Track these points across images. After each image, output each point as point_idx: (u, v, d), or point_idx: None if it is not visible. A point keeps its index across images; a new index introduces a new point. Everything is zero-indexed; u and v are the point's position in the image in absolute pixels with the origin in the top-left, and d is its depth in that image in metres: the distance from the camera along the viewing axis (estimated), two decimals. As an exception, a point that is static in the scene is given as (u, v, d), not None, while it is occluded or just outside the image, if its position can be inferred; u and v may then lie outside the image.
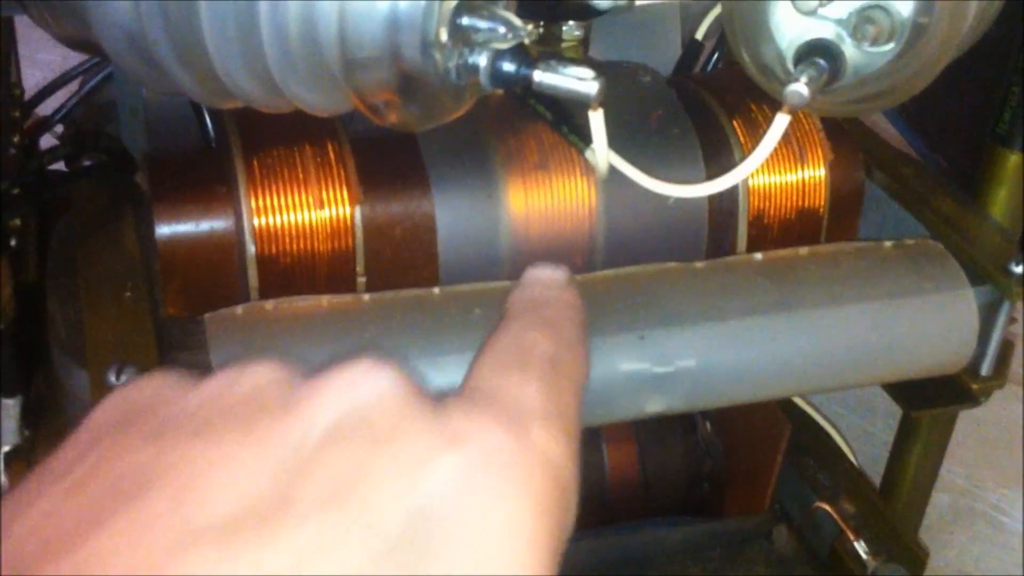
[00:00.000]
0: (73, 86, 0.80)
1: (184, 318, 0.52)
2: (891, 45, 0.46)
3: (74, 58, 0.78)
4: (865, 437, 1.21)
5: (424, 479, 0.28)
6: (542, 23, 0.58)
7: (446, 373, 0.47)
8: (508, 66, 0.42)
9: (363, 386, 0.30)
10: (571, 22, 0.58)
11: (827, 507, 0.74)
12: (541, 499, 0.29)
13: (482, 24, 0.41)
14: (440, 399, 0.31)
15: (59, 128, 0.79)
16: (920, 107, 1.34)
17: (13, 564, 0.26)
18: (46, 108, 0.79)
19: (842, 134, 0.63)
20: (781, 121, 0.49)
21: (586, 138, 0.55)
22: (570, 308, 0.40)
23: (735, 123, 0.61)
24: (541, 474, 0.30)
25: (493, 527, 0.28)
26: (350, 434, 0.28)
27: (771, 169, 0.61)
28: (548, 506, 0.29)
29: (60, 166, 0.68)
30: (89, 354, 0.46)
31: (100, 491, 0.27)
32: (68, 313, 0.51)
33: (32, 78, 0.92)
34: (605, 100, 0.52)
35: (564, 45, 0.59)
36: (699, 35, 0.74)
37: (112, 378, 0.44)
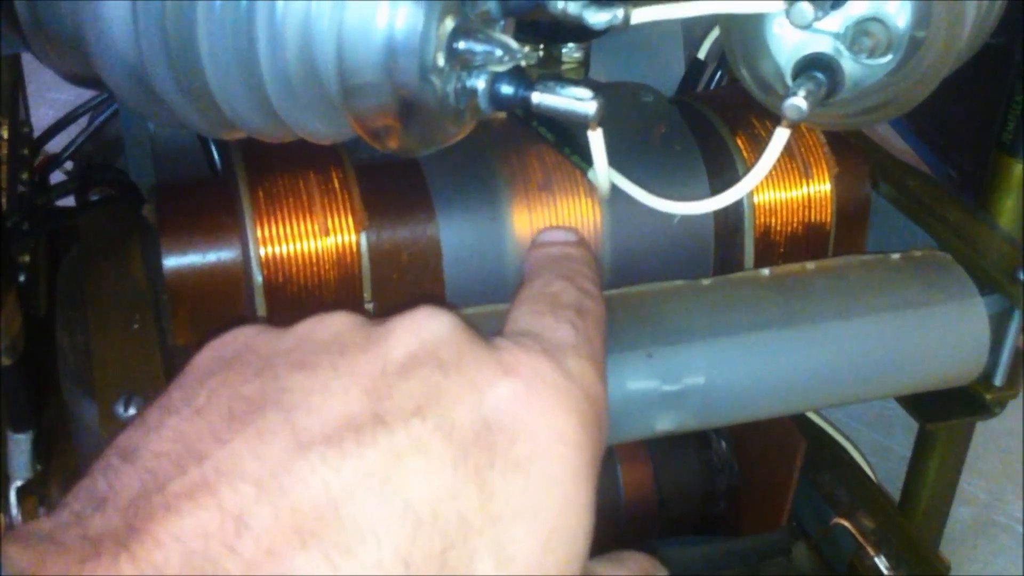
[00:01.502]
0: (82, 123, 0.80)
1: (192, 347, 0.52)
2: (889, 57, 0.46)
3: (85, 96, 0.79)
4: (883, 452, 1.20)
5: (487, 397, 0.33)
6: (542, 46, 0.58)
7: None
8: (506, 88, 0.42)
9: (428, 325, 0.35)
10: (570, 44, 0.58)
11: (845, 523, 0.73)
12: (579, 413, 0.35)
13: (479, 48, 0.41)
14: (490, 337, 0.36)
15: (69, 165, 0.80)
16: (928, 118, 1.34)
17: (149, 476, 0.30)
18: (56, 146, 0.80)
19: (847, 147, 0.63)
20: (781, 135, 0.49)
21: (589, 158, 0.55)
22: (584, 262, 0.46)
23: (738, 140, 0.61)
24: (578, 394, 0.35)
25: (545, 434, 0.33)
26: (423, 362, 0.34)
27: (776, 184, 0.61)
28: (585, 419, 0.35)
29: (69, 200, 0.68)
30: (98, 385, 0.46)
31: (218, 416, 0.32)
32: (77, 344, 0.51)
33: (44, 116, 0.93)
34: (607, 120, 0.52)
35: (565, 67, 0.59)
36: (701, 55, 0.74)
37: (120, 410, 0.44)
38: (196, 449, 0.31)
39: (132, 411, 0.44)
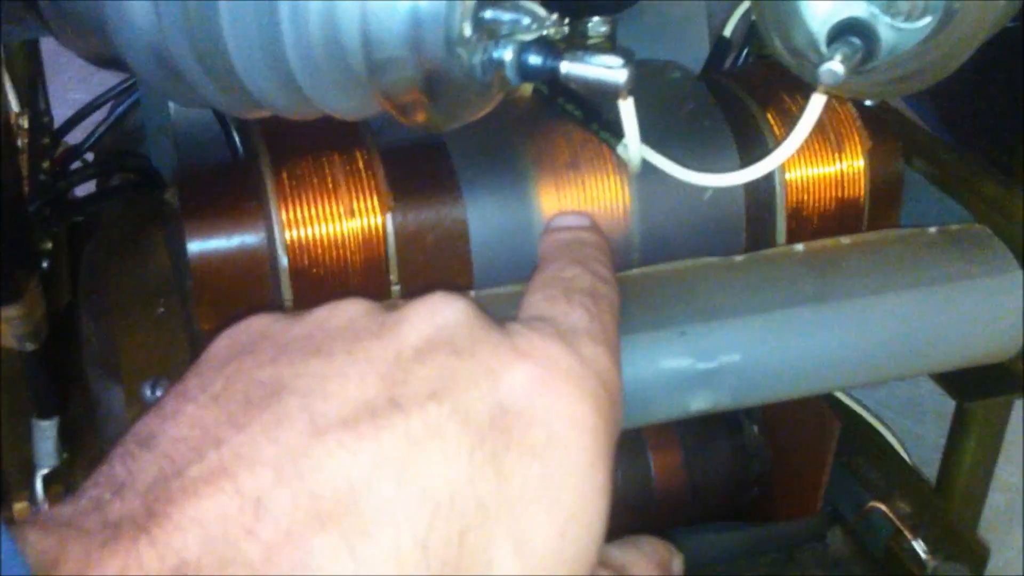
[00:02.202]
0: (102, 115, 0.80)
1: (210, 334, 0.51)
2: (927, 19, 0.45)
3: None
4: (915, 440, 1.18)
5: (502, 382, 0.33)
6: (567, 21, 0.57)
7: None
8: (534, 58, 0.41)
9: (442, 311, 0.35)
10: (596, 18, 0.57)
11: (882, 506, 0.72)
12: (594, 398, 0.35)
13: (506, 16, 0.40)
14: (504, 322, 0.37)
15: (89, 156, 0.79)
16: (952, 102, 1.32)
17: (168, 461, 0.30)
18: (76, 138, 0.80)
19: (880, 122, 0.62)
20: (817, 101, 0.48)
21: (617, 133, 0.54)
22: (596, 246, 0.47)
23: (768, 115, 0.60)
24: (593, 379, 0.35)
25: (560, 418, 0.34)
26: (437, 348, 0.34)
27: (809, 161, 0.59)
28: (600, 404, 0.35)
29: (92, 188, 0.68)
30: (124, 370, 0.46)
31: (235, 403, 0.32)
32: (101, 331, 0.51)
33: (64, 117, 0.92)
34: (635, 96, 0.51)
35: (591, 42, 0.58)
36: (727, 32, 0.73)
37: (148, 392, 0.43)
38: (213, 434, 0.31)
39: (159, 393, 0.43)
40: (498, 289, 0.52)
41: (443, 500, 0.31)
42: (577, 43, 0.58)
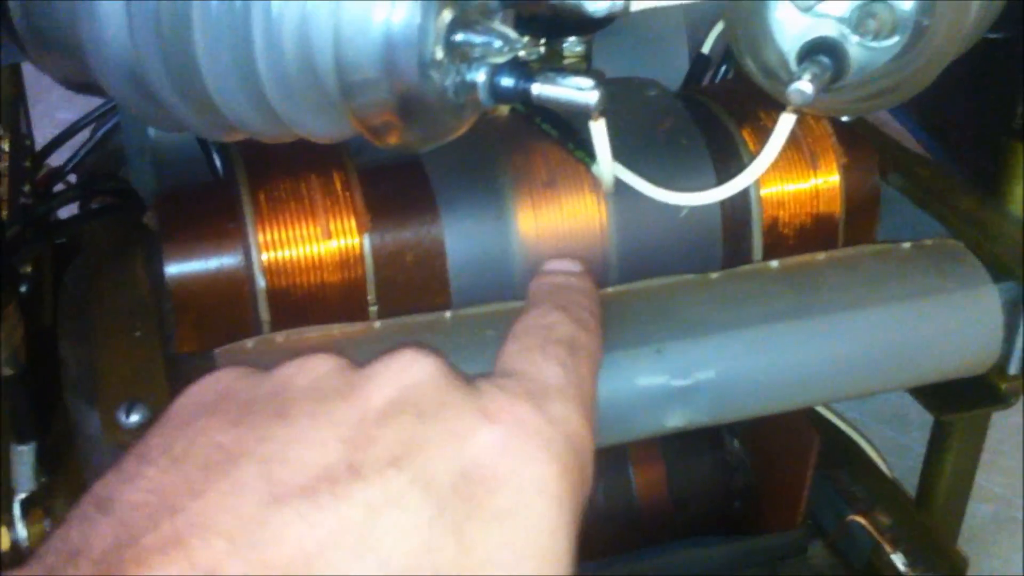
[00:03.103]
0: (86, 135, 0.80)
1: (195, 353, 0.51)
2: (894, 39, 0.45)
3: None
4: (900, 450, 1.19)
5: (466, 446, 0.33)
6: (543, 41, 0.58)
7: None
8: (506, 80, 0.41)
9: (410, 371, 0.35)
10: (572, 38, 0.58)
11: (862, 519, 0.72)
12: (560, 461, 0.34)
13: (477, 39, 0.40)
14: (474, 381, 0.36)
15: (72, 178, 0.79)
16: (933, 109, 1.33)
17: (123, 528, 0.30)
18: (59, 160, 0.80)
19: (855, 137, 0.62)
20: (786, 120, 0.48)
21: (593, 153, 0.54)
22: (584, 293, 0.45)
23: (745, 132, 0.60)
24: (561, 441, 0.35)
25: (525, 485, 0.33)
26: (402, 410, 0.34)
27: (784, 177, 0.60)
28: (567, 466, 0.34)
29: (74, 209, 0.68)
30: (100, 394, 0.46)
31: (194, 467, 0.32)
32: (80, 354, 0.51)
33: (50, 137, 0.92)
34: (612, 114, 0.52)
35: (567, 62, 0.58)
36: (705, 49, 0.73)
37: (123, 417, 0.43)
38: (170, 502, 0.30)
39: (135, 418, 0.43)
40: (476, 308, 0.52)
41: (401, 571, 0.30)
42: (554, 62, 0.58)
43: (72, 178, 0.79)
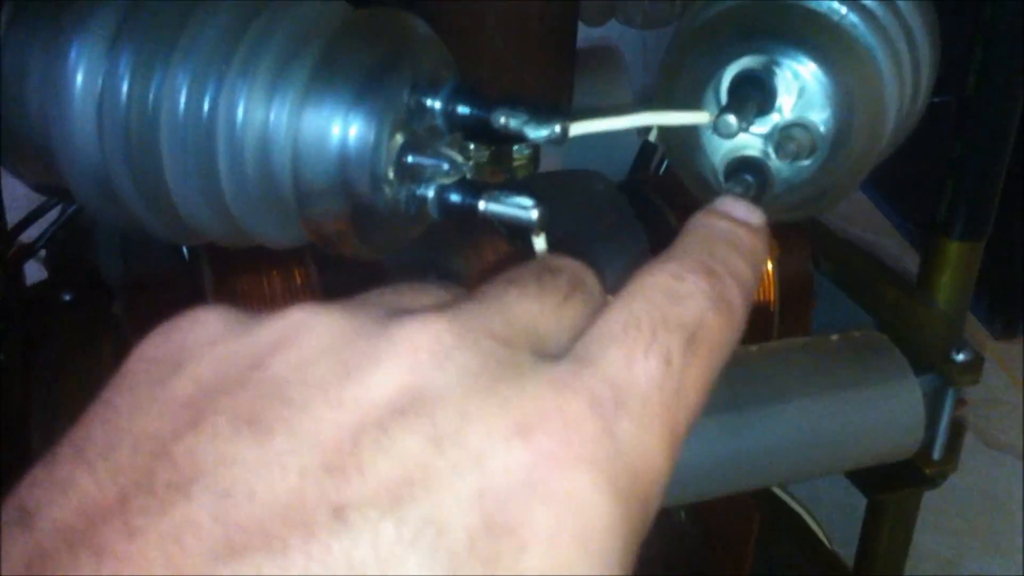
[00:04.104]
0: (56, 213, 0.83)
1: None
2: (816, 155, 0.49)
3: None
4: (848, 509, 1.22)
5: (491, 478, 0.24)
6: (491, 148, 0.61)
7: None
8: (454, 197, 0.44)
9: (433, 359, 0.25)
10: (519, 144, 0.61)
11: (802, 590, 0.75)
12: (620, 504, 0.25)
13: (427, 161, 0.44)
14: (524, 363, 0.26)
15: (43, 253, 0.82)
16: (890, 175, 1.37)
17: (38, 557, 0.23)
18: (30, 236, 0.82)
19: (789, 227, 0.66)
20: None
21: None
22: (748, 256, 0.32)
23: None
24: (625, 477, 0.25)
25: (564, 541, 0.24)
26: (412, 423, 0.24)
27: (722, 267, 0.63)
28: (628, 512, 0.25)
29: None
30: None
31: (136, 486, 0.24)
32: (50, 442, 0.53)
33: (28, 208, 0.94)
34: (559, 206, 0.54)
35: (515, 163, 0.62)
36: (652, 137, 0.77)
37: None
38: (97, 538, 0.23)
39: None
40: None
41: None
42: (503, 163, 0.61)
43: (43, 253, 0.82)
